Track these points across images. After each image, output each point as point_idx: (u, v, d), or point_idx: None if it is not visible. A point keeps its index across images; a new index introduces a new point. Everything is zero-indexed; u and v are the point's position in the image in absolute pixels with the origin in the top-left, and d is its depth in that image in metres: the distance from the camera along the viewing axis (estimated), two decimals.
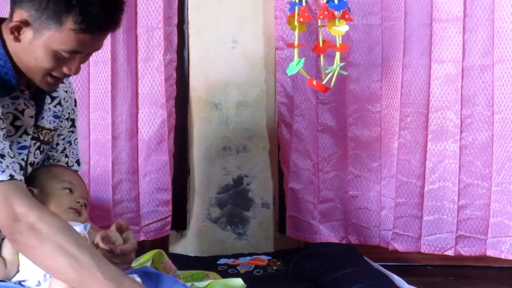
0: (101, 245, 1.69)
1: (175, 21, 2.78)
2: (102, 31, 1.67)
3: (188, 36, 2.85)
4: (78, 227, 1.75)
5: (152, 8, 2.73)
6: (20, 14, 1.64)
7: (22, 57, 1.69)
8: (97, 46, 1.72)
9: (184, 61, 2.85)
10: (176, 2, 2.78)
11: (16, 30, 1.66)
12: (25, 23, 1.64)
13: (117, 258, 1.73)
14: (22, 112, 1.79)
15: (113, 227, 1.80)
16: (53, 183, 1.84)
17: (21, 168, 1.80)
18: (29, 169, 1.85)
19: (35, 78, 1.72)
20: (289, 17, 2.51)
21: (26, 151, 1.81)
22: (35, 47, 1.65)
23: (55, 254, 1.54)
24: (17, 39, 1.67)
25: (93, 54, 2.65)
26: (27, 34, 1.65)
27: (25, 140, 1.81)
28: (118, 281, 1.55)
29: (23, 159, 1.81)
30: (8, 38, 1.69)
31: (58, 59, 1.67)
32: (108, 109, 2.70)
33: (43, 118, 1.87)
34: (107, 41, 2.66)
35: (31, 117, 1.81)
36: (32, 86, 1.80)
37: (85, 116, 2.71)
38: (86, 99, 2.72)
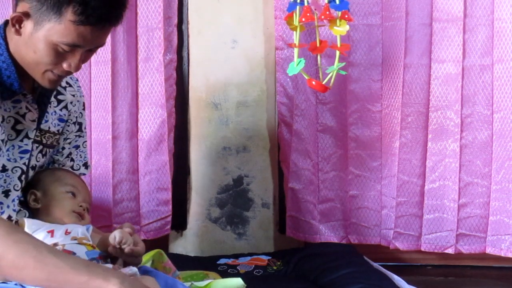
0: (112, 244, 1.69)
1: (175, 21, 2.78)
2: (102, 24, 1.63)
3: (188, 36, 2.85)
4: (80, 229, 1.75)
5: (152, 8, 2.73)
6: (23, 6, 1.63)
7: (23, 52, 1.66)
8: (98, 42, 1.68)
9: (184, 61, 2.85)
10: (176, 2, 2.78)
11: (17, 23, 1.64)
12: (26, 15, 1.62)
13: (126, 258, 1.72)
14: (23, 116, 1.77)
15: (127, 229, 1.78)
16: (56, 187, 1.84)
17: (22, 172, 1.80)
18: (31, 172, 1.84)
19: (36, 74, 1.69)
20: (287, 17, 2.51)
21: (27, 155, 1.80)
22: (35, 39, 1.63)
23: (16, 263, 1.48)
24: (18, 32, 1.65)
25: (94, 54, 2.70)
26: (28, 27, 1.63)
27: (26, 144, 1.79)
28: (89, 270, 1.49)
29: (24, 163, 1.80)
30: (11, 36, 1.68)
31: (58, 53, 1.64)
32: (108, 109, 2.71)
33: (47, 121, 1.86)
34: (107, 42, 2.65)
35: (33, 121, 1.80)
36: (37, 89, 1.79)
37: (86, 116, 2.70)
38: (88, 100, 2.73)
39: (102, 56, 2.69)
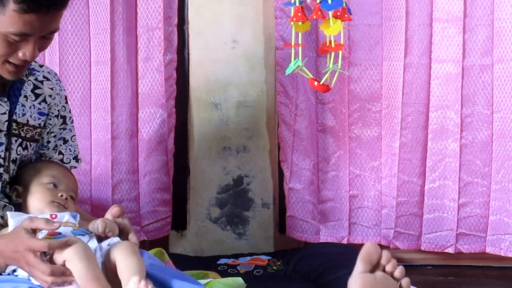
0: (96, 233, 1.72)
1: (175, 21, 2.78)
2: (45, 9, 1.62)
3: (188, 36, 2.85)
4: (67, 215, 1.74)
5: (152, 8, 2.73)
6: None
7: None
8: (49, 28, 1.67)
9: (184, 61, 2.85)
10: (176, 2, 2.78)
11: None
12: None
13: None
14: None
15: (108, 215, 1.81)
16: (35, 179, 1.84)
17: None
18: (12, 166, 1.85)
19: None
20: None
21: (2, 148, 1.80)
22: None
23: None
24: None
25: (93, 54, 2.71)
26: None
27: None
28: None
29: (0, 156, 1.80)
30: None
31: (10, 43, 1.65)
32: (108, 109, 2.70)
33: (24, 114, 1.86)
34: (107, 41, 2.67)
35: (4, 113, 1.80)
36: (7, 84, 1.80)
37: (86, 116, 2.71)
38: (88, 100, 2.73)
39: (101, 56, 2.69)
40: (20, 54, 1.67)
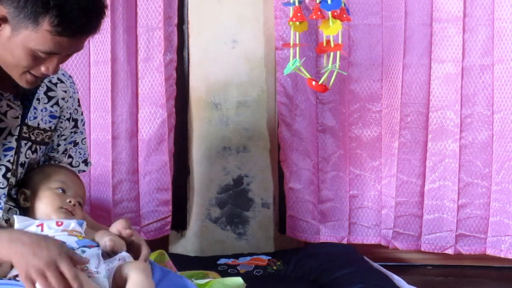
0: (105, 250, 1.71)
1: (175, 21, 2.78)
2: (79, 35, 1.63)
3: (188, 36, 2.85)
4: (72, 222, 1.74)
5: (152, 8, 2.73)
6: (0, 11, 1.61)
7: (1, 54, 1.66)
8: (76, 48, 1.68)
9: (184, 61, 2.85)
10: (176, 2, 2.78)
11: None
12: (3, 20, 1.61)
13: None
14: (4, 114, 1.77)
15: (114, 229, 1.79)
16: (44, 184, 1.82)
17: (7, 170, 1.80)
18: (20, 169, 1.84)
19: (13, 74, 1.69)
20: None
21: (12, 152, 1.79)
22: (12, 44, 1.62)
23: None
24: None
25: (93, 54, 2.71)
26: (5, 31, 1.62)
27: (10, 142, 1.79)
28: None
29: (9, 161, 1.79)
30: None
31: (35, 58, 1.64)
32: (108, 109, 2.71)
33: (36, 117, 1.85)
34: (107, 41, 2.67)
35: (16, 118, 1.79)
36: (21, 88, 1.78)
37: (86, 116, 2.70)
38: (87, 99, 2.73)
39: (101, 56, 2.69)
40: (43, 68, 1.67)
